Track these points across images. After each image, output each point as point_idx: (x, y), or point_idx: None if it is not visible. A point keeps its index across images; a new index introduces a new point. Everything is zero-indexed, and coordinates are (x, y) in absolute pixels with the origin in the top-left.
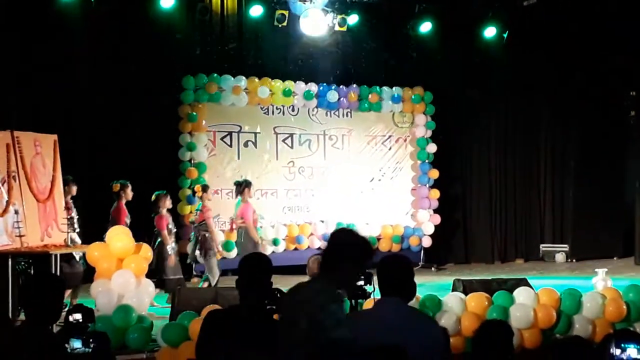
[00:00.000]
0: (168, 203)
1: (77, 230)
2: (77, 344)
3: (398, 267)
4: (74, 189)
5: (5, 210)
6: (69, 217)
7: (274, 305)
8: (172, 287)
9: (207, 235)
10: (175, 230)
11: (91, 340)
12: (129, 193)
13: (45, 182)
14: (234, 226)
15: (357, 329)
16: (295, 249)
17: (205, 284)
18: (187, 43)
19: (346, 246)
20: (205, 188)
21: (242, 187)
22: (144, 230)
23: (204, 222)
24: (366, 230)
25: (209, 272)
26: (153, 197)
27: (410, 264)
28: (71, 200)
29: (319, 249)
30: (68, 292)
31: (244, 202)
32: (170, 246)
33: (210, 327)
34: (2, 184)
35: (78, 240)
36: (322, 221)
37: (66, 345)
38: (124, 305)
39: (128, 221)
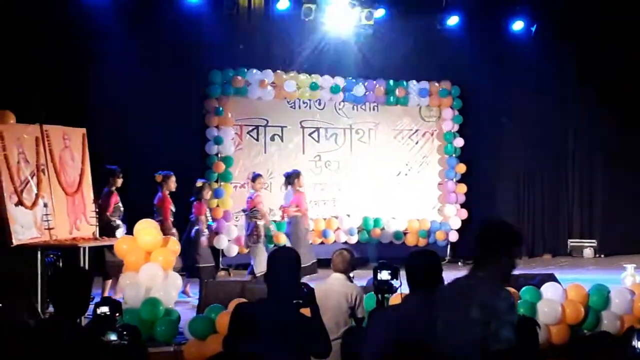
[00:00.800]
0: (210, 194)
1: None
2: (112, 336)
3: (427, 261)
4: (119, 181)
5: (34, 203)
6: (115, 205)
7: (301, 299)
8: (206, 275)
9: (258, 222)
10: (209, 221)
11: (125, 333)
12: (171, 184)
13: (74, 176)
14: (286, 215)
15: (384, 323)
16: (322, 242)
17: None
18: (214, 37)
19: (498, 240)
20: (255, 177)
21: (292, 177)
22: (176, 221)
23: (255, 209)
24: (393, 224)
25: (256, 258)
26: (199, 183)
27: (438, 259)
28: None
29: (345, 242)
30: (109, 282)
31: (296, 192)
32: (205, 235)
33: (238, 320)
34: (32, 177)
35: (123, 229)
36: (349, 215)
37: (102, 337)
38: (152, 298)
39: (173, 209)
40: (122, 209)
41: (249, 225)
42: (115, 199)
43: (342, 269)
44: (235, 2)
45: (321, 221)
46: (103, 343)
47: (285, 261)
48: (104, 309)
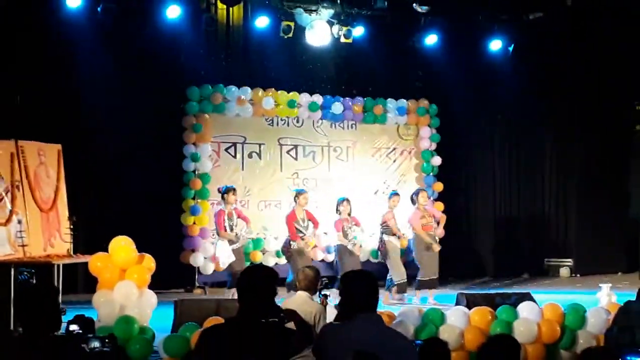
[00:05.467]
0: (349, 209)
1: (237, 234)
2: (95, 343)
3: (365, 284)
4: (233, 199)
5: (8, 220)
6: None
7: (276, 317)
8: None
9: (385, 238)
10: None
11: (107, 340)
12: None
13: (49, 192)
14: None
15: (332, 342)
16: None
17: (394, 291)
18: (192, 54)
19: None
20: (392, 195)
21: (413, 195)
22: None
23: (385, 225)
24: (370, 242)
25: (393, 273)
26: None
27: (375, 281)
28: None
29: (322, 260)
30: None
31: (416, 209)
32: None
33: (206, 347)
34: (6, 194)
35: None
36: (326, 233)
37: (83, 345)
38: (126, 316)
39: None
40: (231, 224)
41: (381, 240)
42: (224, 216)
43: (305, 287)
44: (213, 18)
45: None
46: (84, 351)
47: (258, 280)
48: (75, 327)
